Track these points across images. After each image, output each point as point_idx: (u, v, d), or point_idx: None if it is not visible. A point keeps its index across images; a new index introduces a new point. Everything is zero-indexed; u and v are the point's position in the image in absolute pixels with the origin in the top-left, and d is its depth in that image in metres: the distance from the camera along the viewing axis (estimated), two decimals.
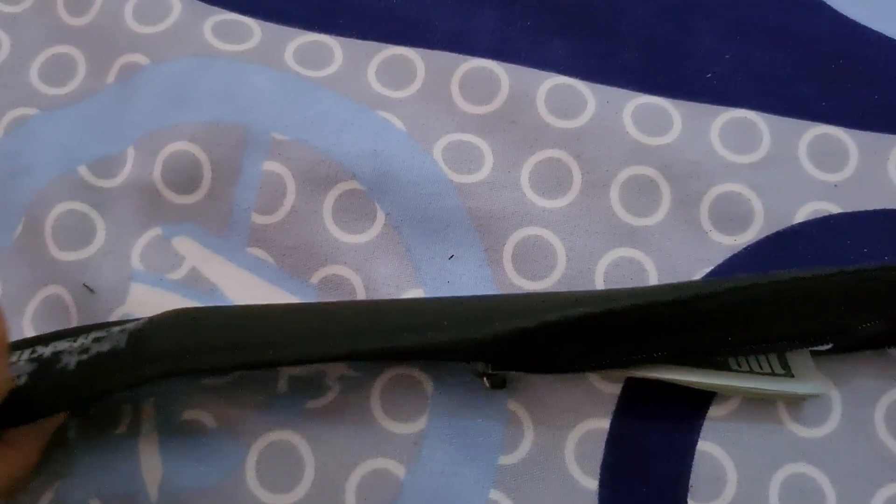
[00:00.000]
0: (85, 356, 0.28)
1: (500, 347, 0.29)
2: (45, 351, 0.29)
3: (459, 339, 0.29)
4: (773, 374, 0.31)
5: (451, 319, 0.29)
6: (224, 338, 0.29)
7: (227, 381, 0.33)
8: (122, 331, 0.29)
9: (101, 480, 0.31)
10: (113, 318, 0.33)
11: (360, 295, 0.34)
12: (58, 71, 0.38)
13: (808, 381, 0.31)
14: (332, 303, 0.32)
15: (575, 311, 0.29)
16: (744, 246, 0.34)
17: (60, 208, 0.34)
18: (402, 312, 0.30)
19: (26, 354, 0.29)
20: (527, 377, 0.32)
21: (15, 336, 0.33)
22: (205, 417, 0.32)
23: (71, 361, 0.28)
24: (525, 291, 0.34)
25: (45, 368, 0.28)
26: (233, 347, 0.29)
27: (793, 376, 0.31)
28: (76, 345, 0.29)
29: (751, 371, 0.31)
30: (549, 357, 0.31)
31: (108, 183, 0.35)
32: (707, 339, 0.30)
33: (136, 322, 0.30)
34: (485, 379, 0.31)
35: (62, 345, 0.29)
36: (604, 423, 0.32)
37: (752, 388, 0.31)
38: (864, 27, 0.37)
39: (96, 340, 0.29)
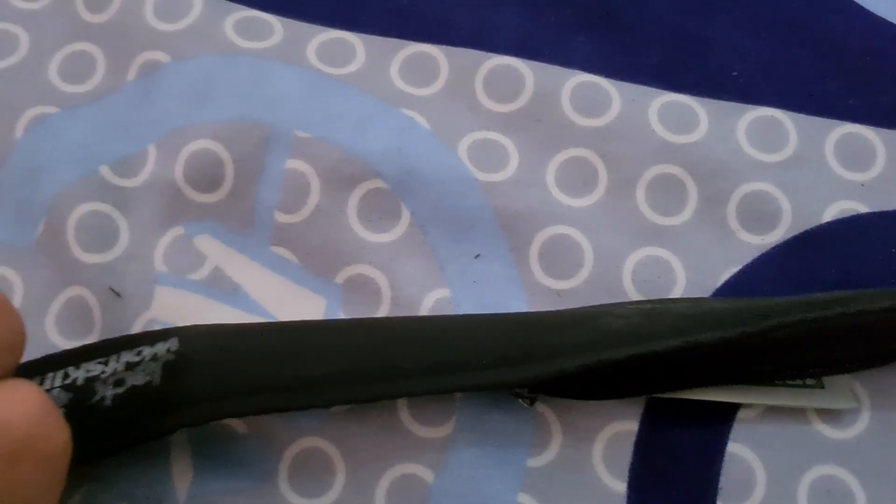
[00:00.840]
0: (120, 389, 0.28)
1: (539, 384, 0.30)
2: (78, 375, 0.28)
3: (499, 381, 0.29)
4: (803, 385, 0.31)
5: (490, 356, 0.29)
6: (264, 376, 0.29)
7: None
8: (154, 358, 0.28)
9: (130, 484, 0.31)
10: (138, 323, 0.33)
11: (386, 295, 0.33)
12: (77, 68, 0.37)
13: (838, 392, 0.31)
14: (367, 328, 0.31)
15: (615, 354, 0.29)
16: (772, 245, 0.34)
17: (83, 209, 0.34)
18: (438, 344, 0.30)
19: (59, 380, 0.28)
20: None
21: (38, 338, 0.33)
22: (235, 423, 0.32)
23: (107, 395, 0.28)
24: (554, 290, 0.33)
25: (80, 402, 0.27)
26: (274, 389, 0.28)
27: (823, 387, 0.31)
28: (108, 370, 0.28)
29: (782, 383, 0.31)
30: (587, 389, 0.31)
31: (129, 182, 0.35)
32: (747, 370, 0.30)
33: (167, 344, 0.29)
34: (520, 400, 0.31)
35: (94, 368, 0.28)
36: (632, 425, 0.32)
37: (780, 405, 0.31)
38: (892, 24, 0.37)
39: (129, 367, 0.28)
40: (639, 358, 0.29)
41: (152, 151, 0.35)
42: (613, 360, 0.29)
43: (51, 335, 0.33)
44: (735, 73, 0.36)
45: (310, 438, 0.32)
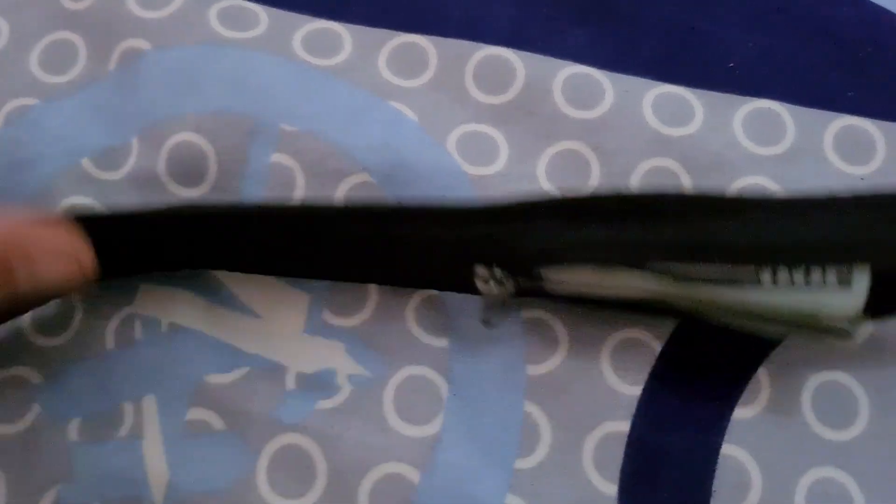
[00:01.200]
0: None
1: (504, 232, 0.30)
2: None
3: (455, 234, 0.30)
4: (823, 282, 0.27)
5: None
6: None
7: (234, 378, 0.32)
8: None
9: (103, 484, 0.30)
10: (119, 317, 0.32)
11: (372, 290, 0.33)
12: (58, 58, 0.37)
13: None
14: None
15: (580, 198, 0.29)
16: None
17: (65, 203, 0.33)
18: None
19: None
20: (546, 379, 0.31)
21: (18, 333, 0.32)
22: (211, 418, 0.31)
23: None
24: None
25: None
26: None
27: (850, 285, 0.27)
28: None
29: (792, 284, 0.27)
30: (559, 244, 0.29)
31: (112, 175, 0.34)
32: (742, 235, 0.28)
33: None
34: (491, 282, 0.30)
35: None
36: (623, 426, 0.31)
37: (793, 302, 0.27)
38: (893, 14, 0.36)
39: None
40: (605, 201, 0.29)
41: (135, 144, 0.34)
42: (577, 198, 0.29)
43: (29, 331, 0.33)
44: (732, 65, 0.36)
45: (289, 435, 0.31)
